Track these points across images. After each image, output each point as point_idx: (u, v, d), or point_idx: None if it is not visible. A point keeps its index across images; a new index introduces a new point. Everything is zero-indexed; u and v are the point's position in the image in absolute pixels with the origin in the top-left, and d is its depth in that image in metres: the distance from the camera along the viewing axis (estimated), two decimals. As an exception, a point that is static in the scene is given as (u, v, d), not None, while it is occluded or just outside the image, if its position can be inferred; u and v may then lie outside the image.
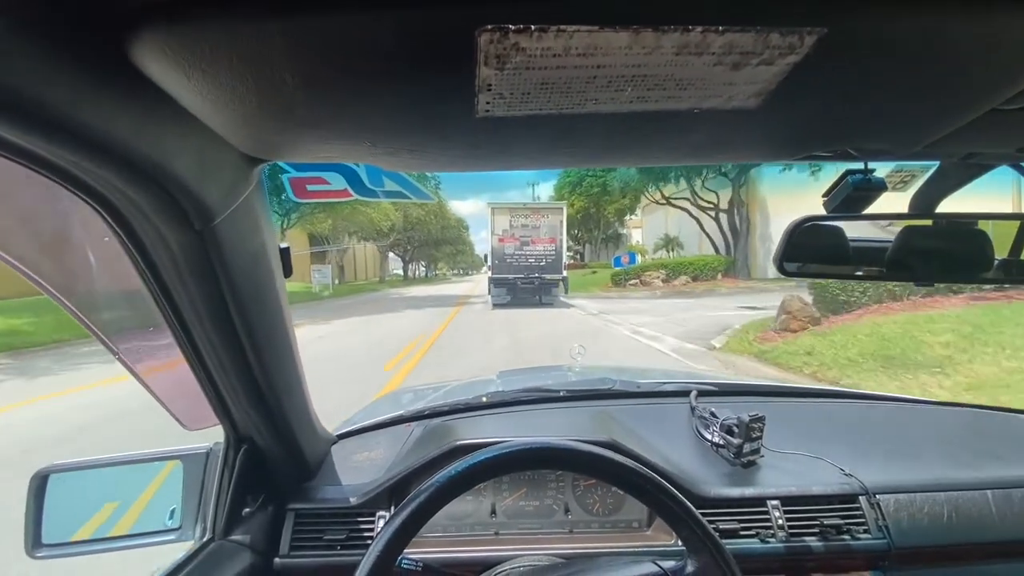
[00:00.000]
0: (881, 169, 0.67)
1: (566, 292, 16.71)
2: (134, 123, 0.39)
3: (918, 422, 1.25)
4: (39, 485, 0.84)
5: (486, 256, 17.46)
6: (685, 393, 1.27)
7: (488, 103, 0.40)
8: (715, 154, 0.60)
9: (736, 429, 1.05)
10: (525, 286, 15.72)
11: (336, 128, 0.45)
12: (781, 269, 0.75)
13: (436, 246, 44.95)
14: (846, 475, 0.99)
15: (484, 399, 1.32)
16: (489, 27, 0.31)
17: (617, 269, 23.85)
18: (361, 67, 0.35)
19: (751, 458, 1.04)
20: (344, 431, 1.20)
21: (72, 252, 0.54)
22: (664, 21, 0.31)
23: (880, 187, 0.65)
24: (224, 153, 0.50)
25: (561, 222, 16.25)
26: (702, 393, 1.27)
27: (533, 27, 0.31)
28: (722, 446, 1.07)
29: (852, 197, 0.66)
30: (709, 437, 1.10)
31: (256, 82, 0.36)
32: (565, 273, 16.22)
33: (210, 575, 0.82)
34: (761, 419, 1.04)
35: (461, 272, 73.28)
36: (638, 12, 0.31)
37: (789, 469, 1.02)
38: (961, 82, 0.40)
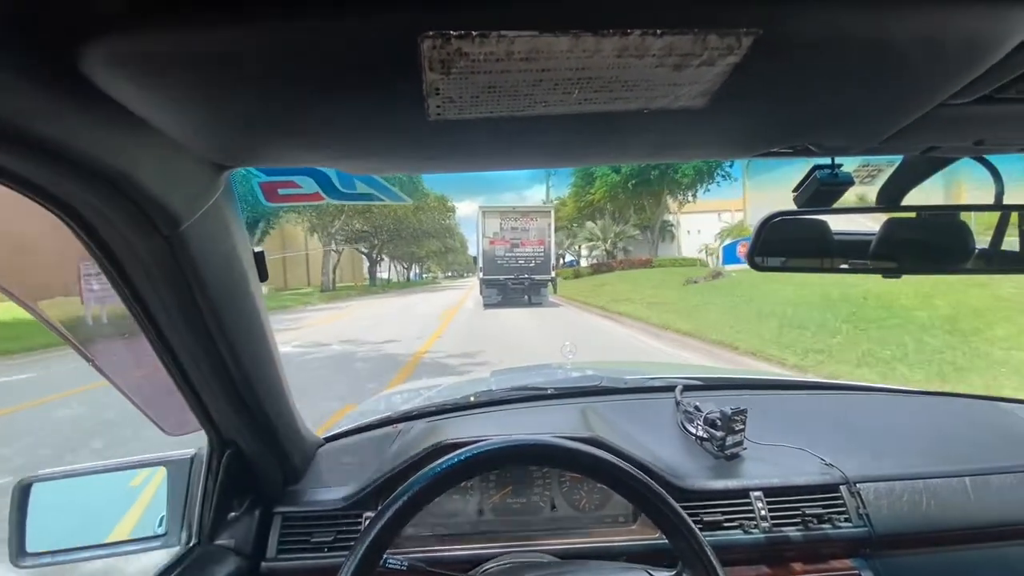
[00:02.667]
0: (849, 164, 0.68)
1: (555, 292, 17.28)
2: (92, 134, 0.39)
3: (900, 412, 1.27)
4: (22, 494, 0.84)
5: (475, 259, 17.96)
6: (671, 388, 1.28)
7: (439, 107, 0.40)
8: (672, 153, 0.61)
9: (719, 422, 1.07)
10: (515, 286, 16.16)
11: (293, 134, 0.46)
12: (752, 264, 0.76)
13: (416, 241, 36.17)
14: (827, 465, 1.01)
15: (472, 399, 1.33)
16: (431, 33, 0.31)
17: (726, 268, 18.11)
18: (311, 74, 0.35)
19: (734, 451, 1.05)
20: (330, 434, 1.20)
21: (41, 257, 0.54)
22: (602, 25, 0.32)
23: (847, 182, 0.66)
24: (187, 160, 0.50)
25: (549, 224, 16.71)
26: (688, 387, 1.28)
27: (474, 33, 0.31)
28: (706, 439, 1.08)
29: (821, 192, 0.67)
30: (693, 431, 1.11)
31: (208, 91, 0.36)
32: (554, 274, 16.86)
33: None
34: (743, 412, 1.06)
35: (455, 275, 67.13)
36: (576, 17, 0.31)
37: (772, 461, 1.04)
38: (905, 78, 0.41)
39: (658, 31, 0.32)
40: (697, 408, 1.13)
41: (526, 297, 16.55)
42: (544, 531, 1.00)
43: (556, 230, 18.00)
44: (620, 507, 1.03)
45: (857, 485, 0.98)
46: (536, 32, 0.31)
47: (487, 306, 16.10)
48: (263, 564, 0.92)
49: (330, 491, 1.01)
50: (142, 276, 0.54)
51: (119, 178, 0.43)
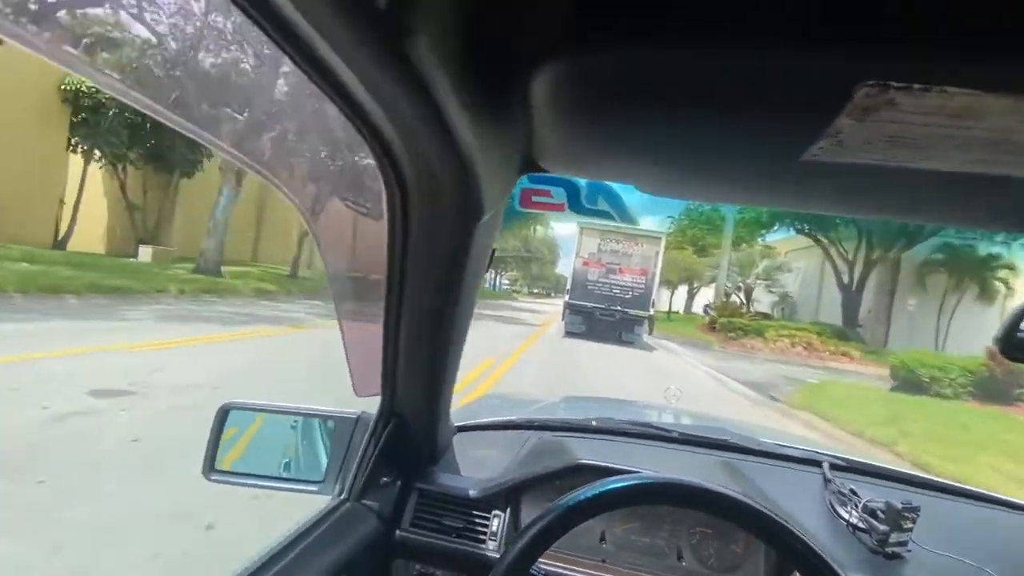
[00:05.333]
0: None
1: (650, 332, 15.04)
2: (464, 113, 0.42)
3: None
4: (221, 417, 0.97)
5: (567, 280, 16.36)
6: (814, 462, 1.18)
7: (821, 148, 0.40)
8: None
9: (882, 514, 0.96)
10: (604, 318, 14.28)
11: (636, 151, 0.48)
12: (1004, 352, 0.68)
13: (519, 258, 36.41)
14: None
15: (594, 423, 1.31)
16: (871, 83, 0.31)
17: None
18: (703, 107, 0.37)
19: (897, 550, 0.94)
20: (462, 424, 1.25)
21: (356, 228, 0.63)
22: None
23: None
24: (512, 156, 0.55)
25: (657, 253, 14.81)
26: (834, 467, 1.17)
27: (917, 86, 0.31)
28: (863, 530, 0.98)
29: None
30: (846, 516, 1.01)
31: (614, 115, 0.39)
32: (652, 311, 14.71)
33: (344, 532, 0.89)
34: (915, 509, 0.94)
35: (542, 292, 60.86)
36: None
37: (943, 573, 0.91)
38: None
39: None
40: (853, 492, 1.03)
41: (616, 333, 14.42)
42: None
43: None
44: (753, 574, 0.96)
45: None
46: (980, 92, 0.30)
47: (568, 334, 14.47)
48: (397, 532, 0.97)
49: (463, 479, 1.04)
50: (424, 255, 0.60)
51: (462, 163, 0.48)
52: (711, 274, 28.55)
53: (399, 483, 1.01)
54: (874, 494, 1.01)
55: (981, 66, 0.29)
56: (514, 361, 8.60)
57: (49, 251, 12.40)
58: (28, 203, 13.01)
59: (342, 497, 0.96)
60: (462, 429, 1.23)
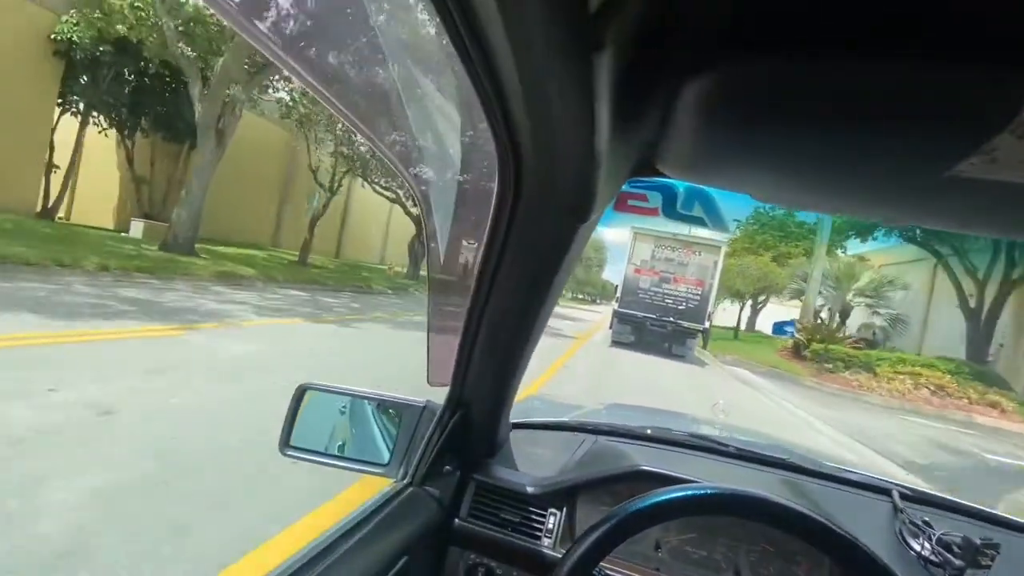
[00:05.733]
0: None
1: (704, 346, 14.04)
2: (580, 115, 0.43)
3: None
4: (298, 396, 1.02)
5: (616, 287, 15.28)
6: (883, 490, 1.14)
7: (972, 164, 0.38)
8: None
9: (958, 549, 0.91)
10: (655, 328, 13.33)
11: (761, 160, 0.49)
12: None
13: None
14: None
15: (649, 431, 1.31)
16: None
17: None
18: (851, 113, 0.37)
19: None
20: (517, 421, 1.27)
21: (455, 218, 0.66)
22: None
23: None
24: (624, 160, 0.57)
25: (716, 263, 13.64)
26: (904, 496, 1.12)
27: None
28: (936, 564, 0.93)
29: None
30: (917, 548, 0.97)
31: (757, 122, 0.40)
32: (708, 324, 13.53)
33: (407, 515, 0.92)
34: (996, 546, 0.89)
35: (587, 298, 56.01)
36: None
37: None
38: None
39: None
40: (927, 523, 0.99)
41: (666, 345, 13.54)
42: None
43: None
44: None
45: None
46: None
47: (615, 343, 13.61)
48: (456, 521, 1.01)
49: (519, 475, 1.06)
50: (520, 253, 0.63)
51: (578, 166, 0.50)
52: (794, 287, 24.17)
53: (459, 473, 1.04)
54: (949, 527, 0.97)
55: None
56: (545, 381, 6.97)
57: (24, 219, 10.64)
58: (8, 165, 11.42)
59: (405, 481, 1.00)
60: (517, 426, 1.26)
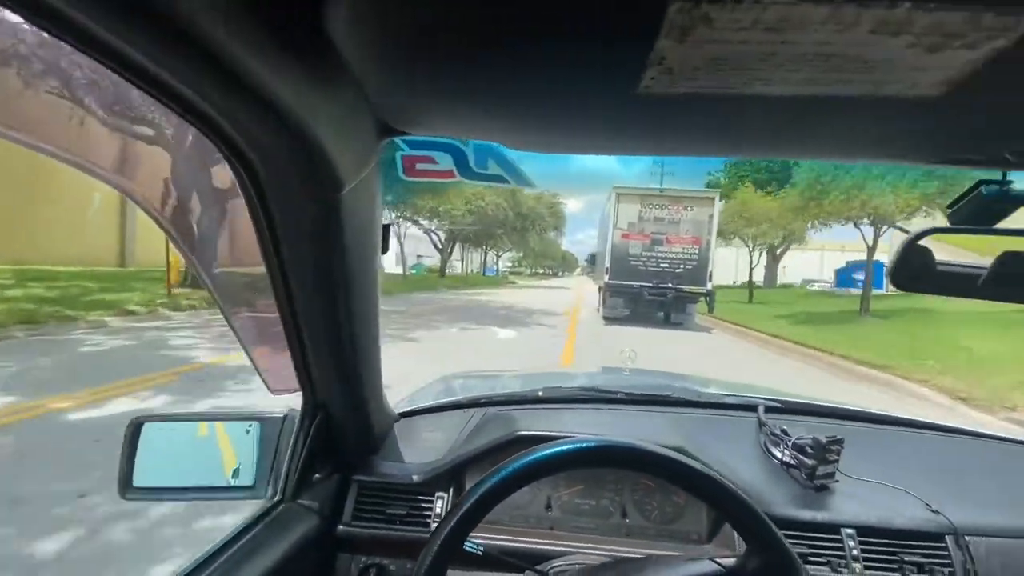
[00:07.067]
0: (1020, 180, 0.61)
1: (710, 311, 12.41)
2: (297, 82, 0.40)
3: (1018, 463, 1.15)
4: (133, 431, 0.90)
5: (593, 256, 13.75)
6: (751, 407, 1.22)
7: (652, 78, 0.38)
8: (876, 152, 0.56)
9: (810, 449, 1.00)
10: (654, 298, 11.82)
11: (483, 100, 0.46)
12: (896, 283, 0.70)
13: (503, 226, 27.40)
14: (932, 511, 0.92)
15: (540, 393, 1.32)
16: None
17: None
18: (526, 37, 0.34)
19: (824, 481, 0.98)
20: (406, 410, 1.22)
21: (205, 211, 0.57)
22: None
23: (1018, 201, 0.60)
24: (362, 122, 0.51)
25: (711, 217, 12.12)
26: (770, 409, 1.22)
27: None
28: (793, 466, 1.02)
29: (983, 209, 0.61)
30: (779, 455, 1.05)
31: (417, 41, 0.36)
32: (711, 285, 11.94)
33: (280, 534, 0.86)
34: (839, 441, 0.99)
35: (550, 272, 50.40)
36: None
37: (867, 498, 0.96)
38: None
39: (931, 4, 0.29)
40: (784, 432, 1.07)
41: (661, 314, 12.14)
42: (613, 537, 0.98)
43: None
44: (694, 523, 0.99)
45: (966, 537, 0.89)
46: (793, 0, 0.29)
47: (607, 319, 12.17)
48: (339, 527, 0.95)
49: (405, 466, 1.02)
50: (291, 235, 0.56)
51: (304, 130, 0.44)
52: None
53: (336, 478, 0.98)
54: (805, 431, 1.05)
55: None
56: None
57: None
58: None
59: (276, 499, 0.93)
60: (406, 415, 1.21)
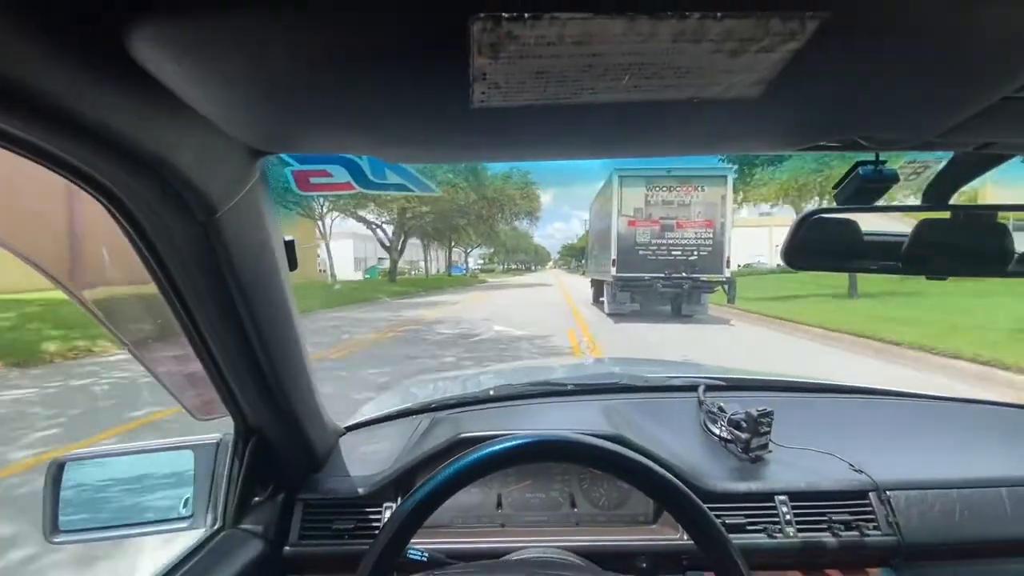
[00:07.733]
0: (893, 160, 0.65)
1: (731, 301, 11.00)
2: (134, 115, 0.39)
3: (932, 419, 1.24)
4: (55, 473, 0.86)
5: (593, 246, 12.48)
6: (693, 388, 1.27)
7: (483, 93, 0.40)
8: (719, 145, 0.59)
9: (744, 424, 1.05)
10: (668, 289, 10.65)
11: (335, 121, 0.46)
12: (788, 262, 0.74)
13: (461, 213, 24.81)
14: (856, 471, 0.98)
15: (491, 392, 1.32)
16: (482, 15, 0.30)
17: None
18: (356, 60, 0.35)
19: (759, 453, 1.03)
20: (352, 423, 1.21)
21: (85, 245, 0.55)
22: (660, 7, 0.30)
23: (892, 178, 0.64)
24: (226, 146, 0.50)
25: (724, 197, 10.84)
26: (710, 388, 1.26)
27: (526, 15, 0.30)
28: (730, 441, 1.06)
29: (863, 189, 0.65)
30: (717, 432, 1.10)
31: (253, 75, 0.36)
32: (729, 272, 10.81)
33: (221, 563, 0.84)
34: (769, 414, 1.04)
35: (523, 267, 47.45)
36: None
37: (798, 464, 1.01)
38: (972, 70, 0.39)
39: (718, 14, 0.31)
40: (721, 409, 1.12)
41: (676, 306, 11.12)
42: (563, 527, 1.00)
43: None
44: (640, 506, 1.02)
45: (887, 492, 0.95)
46: (590, 14, 0.30)
47: (612, 315, 11.21)
48: (285, 549, 0.93)
49: (351, 480, 1.02)
50: (177, 263, 0.55)
51: (160, 163, 0.43)
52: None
53: (279, 499, 0.96)
54: (740, 406, 1.10)
55: None
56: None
57: None
58: None
59: (217, 526, 0.90)
60: (352, 428, 1.20)
